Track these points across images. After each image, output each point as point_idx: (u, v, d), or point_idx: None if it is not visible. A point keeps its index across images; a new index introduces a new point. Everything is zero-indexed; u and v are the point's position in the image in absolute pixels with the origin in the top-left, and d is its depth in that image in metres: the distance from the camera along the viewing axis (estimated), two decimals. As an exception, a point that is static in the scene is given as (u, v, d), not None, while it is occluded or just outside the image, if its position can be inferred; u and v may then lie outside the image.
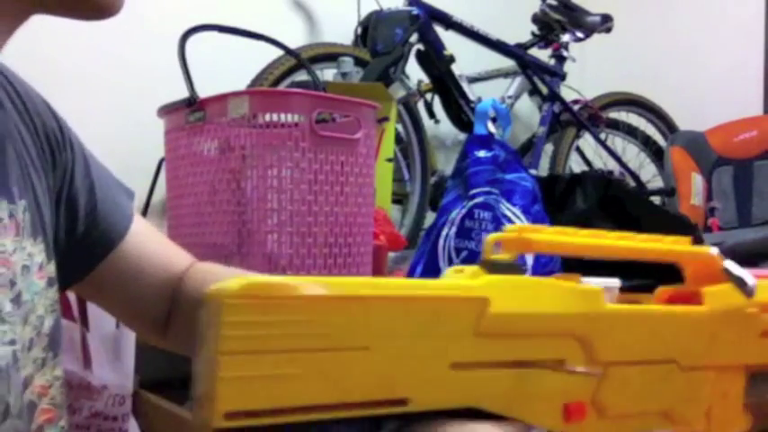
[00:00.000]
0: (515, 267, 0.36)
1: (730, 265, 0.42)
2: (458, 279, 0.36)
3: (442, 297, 0.34)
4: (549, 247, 0.38)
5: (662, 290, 0.43)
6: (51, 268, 0.63)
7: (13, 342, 0.56)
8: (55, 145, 0.67)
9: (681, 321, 0.41)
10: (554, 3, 2.53)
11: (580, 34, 2.57)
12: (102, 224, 0.70)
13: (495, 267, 0.36)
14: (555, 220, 1.51)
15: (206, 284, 0.71)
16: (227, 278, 0.31)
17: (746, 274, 0.43)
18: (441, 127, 2.42)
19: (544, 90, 2.50)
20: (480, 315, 0.34)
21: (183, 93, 1.18)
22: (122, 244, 0.72)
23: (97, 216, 0.70)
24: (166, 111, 1.23)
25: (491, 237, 0.37)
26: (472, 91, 2.25)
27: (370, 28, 2.08)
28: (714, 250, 0.42)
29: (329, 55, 2.06)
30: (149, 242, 0.75)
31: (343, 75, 1.98)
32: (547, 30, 2.54)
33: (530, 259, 1.41)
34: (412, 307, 0.33)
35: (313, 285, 0.31)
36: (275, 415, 0.31)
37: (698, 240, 1.88)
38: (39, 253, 0.61)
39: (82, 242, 0.69)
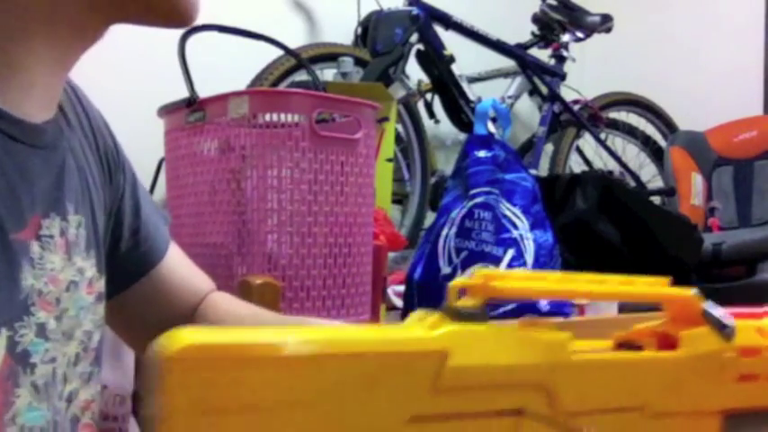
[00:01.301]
0: (480, 315, 0.35)
1: (710, 306, 0.41)
2: (418, 329, 0.35)
3: (400, 352, 0.33)
4: (518, 292, 0.37)
5: (638, 329, 0.42)
6: (102, 283, 0.64)
7: (53, 360, 0.56)
8: (113, 163, 0.68)
9: (652, 368, 0.40)
10: (554, 3, 2.53)
11: (580, 34, 2.57)
12: (143, 245, 0.72)
13: (458, 315, 0.35)
14: (555, 221, 1.51)
15: (219, 323, 0.72)
16: (174, 331, 0.29)
17: (726, 315, 0.42)
18: (441, 127, 2.42)
19: (544, 90, 2.50)
20: (439, 369, 0.33)
21: (183, 93, 1.18)
22: (159, 266, 0.73)
23: (140, 237, 0.71)
24: (166, 111, 1.23)
25: (455, 282, 0.36)
26: (472, 91, 2.25)
27: (370, 28, 2.08)
28: (694, 291, 0.41)
29: (329, 55, 2.06)
30: (181, 268, 0.76)
31: (343, 75, 1.98)
32: (547, 30, 2.54)
33: (530, 259, 1.41)
34: (368, 363, 0.32)
35: (260, 344, 0.30)
36: None
37: (698, 240, 1.88)
38: (90, 268, 0.62)
39: (122, 262, 0.70)
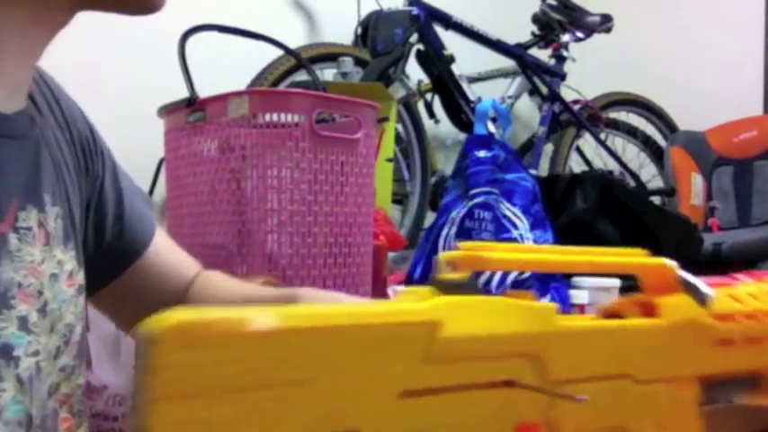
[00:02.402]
0: (468, 286, 0.35)
1: (685, 274, 0.42)
2: (408, 302, 0.34)
3: (390, 324, 0.32)
4: (502, 264, 0.37)
5: (619, 300, 0.43)
6: (81, 276, 0.63)
7: (36, 353, 0.56)
8: (88, 153, 0.67)
9: (636, 336, 0.40)
10: (554, 3, 2.53)
11: (580, 34, 2.57)
12: (128, 233, 0.71)
13: (447, 287, 0.34)
14: (555, 221, 1.51)
15: (212, 299, 0.72)
16: (159, 314, 0.28)
17: (701, 283, 0.42)
18: (441, 127, 2.42)
19: (544, 90, 2.50)
20: (431, 340, 0.33)
21: (183, 93, 1.18)
22: (146, 253, 0.72)
23: (124, 225, 0.70)
24: (166, 111, 1.23)
25: (443, 255, 0.36)
26: (472, 91, 2.25)
27: (370, 28, 2.08)
28: (669, 261, 0.42)
29: (329, 55, 2.06)
30: (168, 252, 0.76)
31: (343, 75, 1.98)
32: (547, 30, 2.54)
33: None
34: (358, 335, 0.31)
35: (251, 319, 0.29)
36: None
37: (698, 240, 1.88)
38: (69, 260, 0.61)
39: (108, 251, 0.69)
